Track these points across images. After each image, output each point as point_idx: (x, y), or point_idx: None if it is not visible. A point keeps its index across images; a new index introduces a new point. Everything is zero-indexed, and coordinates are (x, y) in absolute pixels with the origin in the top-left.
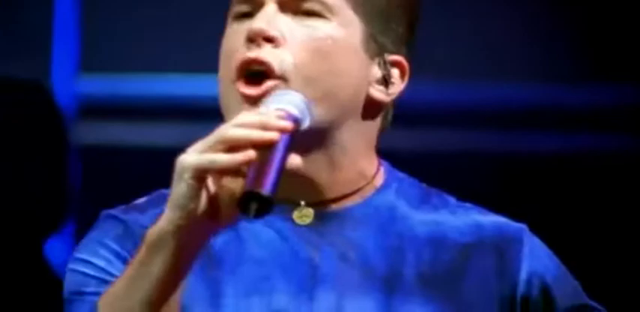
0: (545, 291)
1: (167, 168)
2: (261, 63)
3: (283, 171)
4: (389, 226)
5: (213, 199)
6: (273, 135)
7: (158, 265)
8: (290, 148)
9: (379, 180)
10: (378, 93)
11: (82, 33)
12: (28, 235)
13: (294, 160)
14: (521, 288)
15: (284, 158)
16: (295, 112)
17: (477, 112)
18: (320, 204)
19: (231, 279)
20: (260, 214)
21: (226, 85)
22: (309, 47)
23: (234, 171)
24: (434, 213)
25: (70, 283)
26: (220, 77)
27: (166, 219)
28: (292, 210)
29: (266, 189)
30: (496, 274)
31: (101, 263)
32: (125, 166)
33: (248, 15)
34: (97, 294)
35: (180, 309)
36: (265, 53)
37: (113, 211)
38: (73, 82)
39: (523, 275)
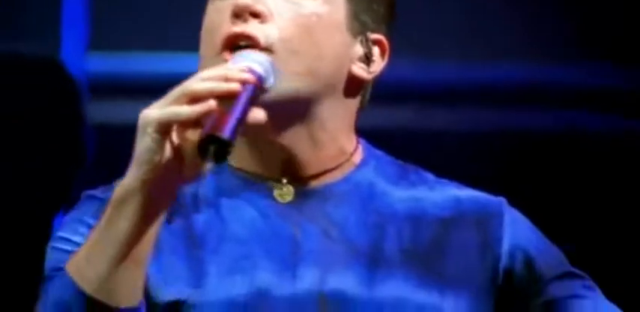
0: (529, 263)
1: None
2: (248, 37)
3: (245, 123)
4: (369, 203)
5: (177, 152)
6: (233, 86)
7: (124, 222)
8: (253, 102)
9: (358, 157)
10: (359, 70)
11: (91, 11)
12: (38, 213)
13: (258, 114)
14: (503, 261)
15: (246, 110)
16: (259, 69)
17: (469, 90)
18: (300, 181)
19: (214, 258)
20: (219, 158)
21: (208, 60)
22: (294, 23)
23: (196, 122)
24: (412, 189)
25: (50, 260)
26: (202, 54)
27: (131, 175)
28: (273, 188)
29: (224, 133)
30: (477, 248)
31: (80, 240)
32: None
33: None
34: None
35: (162, 288)
36: (252, 28)
37: (92, 191)
38: (82, 61)
39: (505, 248)
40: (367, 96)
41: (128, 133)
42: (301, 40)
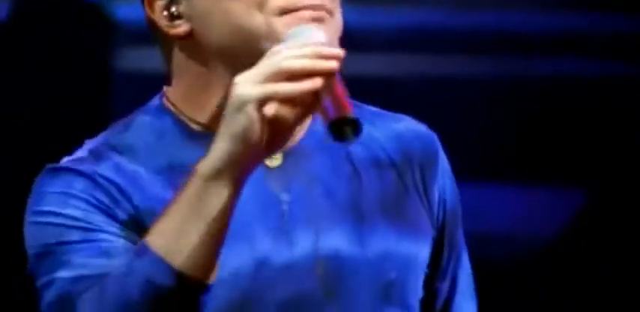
0: (445, 211)
1: None
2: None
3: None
4: (335, 152)
5: (268, 130)
6: (333, 64)
7: (217, 198)
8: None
9: None
10: None
11: None
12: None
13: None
14: (436, 208)
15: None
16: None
17: (469, 38)
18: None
19: None
20: (356, 136)
21: (248, 18)
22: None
23: (294, 100)
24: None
25: (43, 236)
26: (237, 10)
27: (223, 151)
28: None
29: (352, 112)
30: (422, 190)
31: (76, 213)
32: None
33: None
34: (88, 241)
35: None
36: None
37: (62, 165)
38: (112, 8)
39: (435, 196)
40: None
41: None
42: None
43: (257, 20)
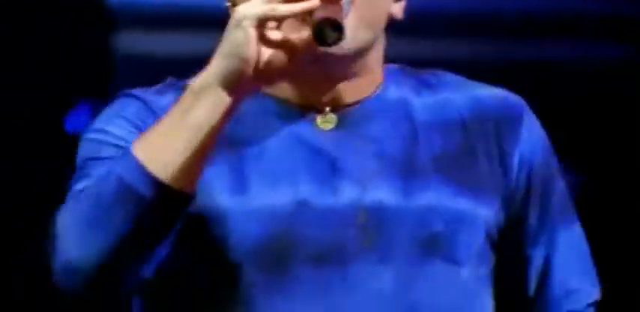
0: (529, 179)
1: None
2: None
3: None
4: (399, 115)
5: (264, 53)
6: None
7: (203, 110)
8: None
9: (381, 78)
10: (396, 10)
11: None
12: None
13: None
14: (513, 174)
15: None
16: None
17: (469, 20)
18: (340, 108)
19: (255, 170)
20: (336, 41)
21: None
22: None
23: (297, 20)
24: (434, 95)
25: (84, 150)
26: None
27: (216, 66)
28: (316, 116)
29: (339, 17)
30: (497, 154)
31: (118, 131)
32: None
33: None
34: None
35: (202, 195)
36: None
37: (131, 91)
38: None
39: (516, 160)
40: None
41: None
42: None
43: None
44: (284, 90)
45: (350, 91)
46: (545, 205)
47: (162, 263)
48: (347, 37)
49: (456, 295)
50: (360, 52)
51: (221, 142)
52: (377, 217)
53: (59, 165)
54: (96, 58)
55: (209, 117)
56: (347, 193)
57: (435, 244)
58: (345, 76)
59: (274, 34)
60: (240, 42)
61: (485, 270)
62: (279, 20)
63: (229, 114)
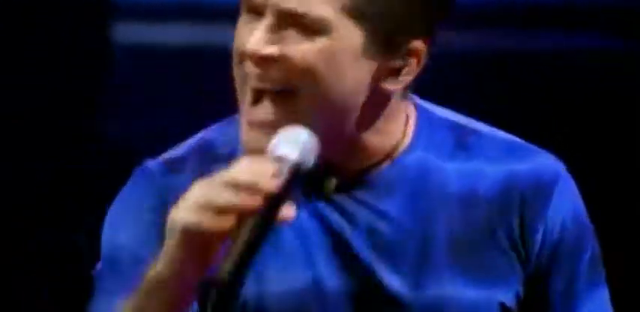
0: (554, 254)
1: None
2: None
3: (273, 225)
4: (419, 186)
5: (198, 250)
6: (255, 204)
7: (157, 305)
8: (286, 197)
9: (408, 135)
10: (389, 84)
11: None
12: None
13: (287, 212)
14: (535, 250)
15: (271, 218)
16: (297, 157)
17: (469, 10)
18: (347, 173)
19: (273, 252)
20: (220, 302)
21: (237, 73)
22: (310, 61)
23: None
24: (468, 162)
25: (105, 247)
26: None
27: (161, 264)
28: (320, 181)
29: (224, 275)
30: (519, 229)
31: (131, 241)
32: (157, 66)
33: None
34: (129, 270)
35: None
36: (269, 75)
37: (150, 168)
38: None
39: (539, 237)
40: (408, 84)
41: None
42: (319, 78)
43: None
44: None
45: (356, 162)
46: (572, 274)
47: None
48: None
49: None
50: (335, 145)
51: None
52: (387, 306)
53: (59, 165)
54: (95, 55)
55: (164, 307)
56: (358, 275)
57: None
58: (336, 149)
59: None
60: (173, 247)
61: None
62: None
63: (191, 292)
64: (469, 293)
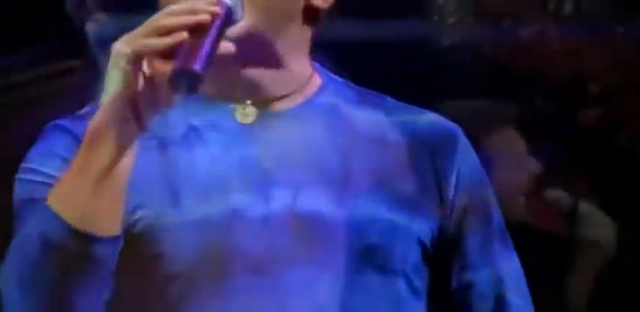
0: (468, 199)
1: None
2: None
3: (215, 54)
4: (334, 124)
5: (149, 84)
6: (202, 17)
7: (101, 155)
8: (222, 33)
9: (317, 80)
10: (317, 1)
11: None
12: None
13: (228, 45)
14: (450, 191)
15: (216, 41)
16: (228, 0)
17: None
18: (264, 103)
19: (188, 180)
20: (191, 89)
21: None
22: None
23: (167, 54)
24: (373, 111)
25: (19, 191)
26: None
27: (105, 108)
28: (235, 109)
29: (196, 65)
30: (432, 173)
31: (50, 170)
32: None
33: None
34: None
35: (137, 211)
36: None
37: (61, 122)
38: None
39: (453, 179)
40: (322, 20)
41: None
42: None
43: None
44: (207, 87)
45: (271, 84)
46: (485, 231)
47: None
48: (239, 18)
49: (390, 307)
50: (259, 36)
51: (150, 146)
52: (312, 226)
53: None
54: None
55: (108, 160)
56: (280, 199)
57: (369, 254)
58: (257, 64)
59: (148, 71)
60: (119, 81)
61: (420, 284)
62: (152, 55)
63: (130, 149)
64: (390, 215)
